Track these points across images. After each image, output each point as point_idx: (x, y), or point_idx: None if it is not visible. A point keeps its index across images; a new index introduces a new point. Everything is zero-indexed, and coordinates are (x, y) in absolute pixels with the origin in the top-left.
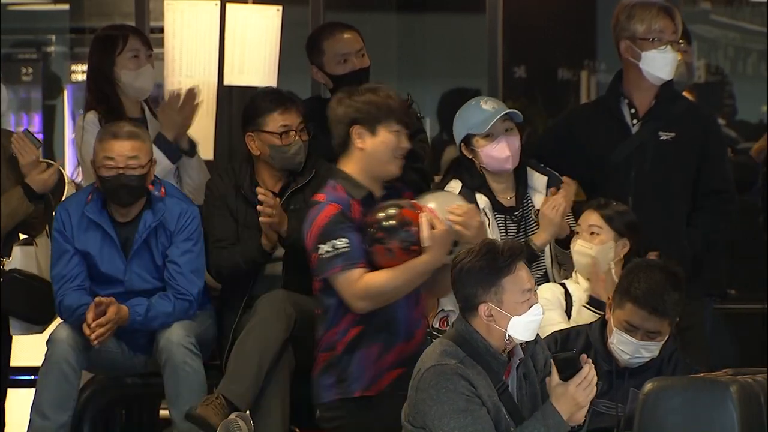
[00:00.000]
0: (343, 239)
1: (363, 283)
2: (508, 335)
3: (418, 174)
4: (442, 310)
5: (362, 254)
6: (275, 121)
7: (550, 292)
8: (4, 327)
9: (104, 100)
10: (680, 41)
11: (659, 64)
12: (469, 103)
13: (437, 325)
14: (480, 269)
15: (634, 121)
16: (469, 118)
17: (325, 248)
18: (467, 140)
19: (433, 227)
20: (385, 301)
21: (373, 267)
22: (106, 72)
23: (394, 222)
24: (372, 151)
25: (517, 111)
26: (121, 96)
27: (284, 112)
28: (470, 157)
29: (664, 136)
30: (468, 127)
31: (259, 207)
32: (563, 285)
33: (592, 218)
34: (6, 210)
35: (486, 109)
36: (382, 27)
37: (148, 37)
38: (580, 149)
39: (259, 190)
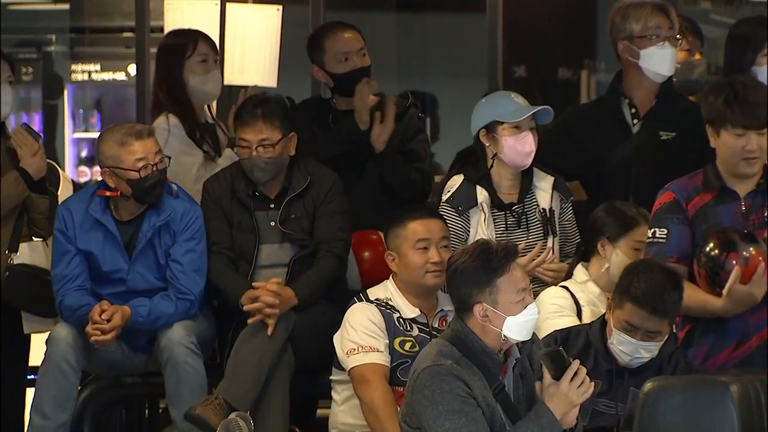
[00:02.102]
0: (663, 229)
1: None
2: (504, 335)
3: (419, 174)
4: (441, 310)
5: (677, 249)
6: (240, 134)
7: (561, 298)
8: (17, 325)
9: (176, 104)
10: (678, 37)
11: (658, 60)
12: (497, 93)
13: (436, 325)
14: (474, 269)
15: (635, 121)
16: (498, 105)
17: (649, 233)
18: (491, 127)
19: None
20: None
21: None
22: (176, 77)
23: (715, 255)
24: (719, 152)
25: (550, 108)
26: (192, 100)
27: (245, 126)
28: (487, 144)
29: (664, 135)
30: (497, 114)
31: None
32: (566, 288)
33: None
34: (3, 193)
35: (518, 101)
36: (382, 27)
37: (215, 42)
38: (580, 149)
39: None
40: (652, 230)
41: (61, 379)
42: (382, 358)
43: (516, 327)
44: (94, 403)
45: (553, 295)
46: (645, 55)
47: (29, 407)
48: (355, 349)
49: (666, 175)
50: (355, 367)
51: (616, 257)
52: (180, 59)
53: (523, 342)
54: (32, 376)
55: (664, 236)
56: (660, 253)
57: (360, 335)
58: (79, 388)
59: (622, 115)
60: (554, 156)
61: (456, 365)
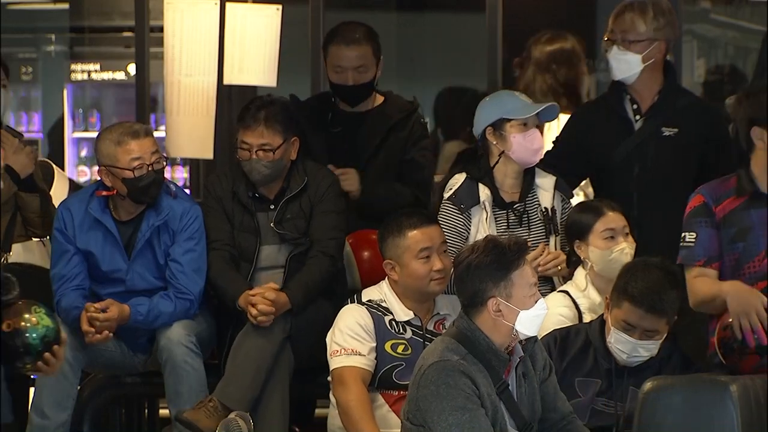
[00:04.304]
0: (693, 234)
1: (690, 284)
2: (515, 330)
3: (408, 188)
4: (438, 313)
5: (705, 252)
6: (241, 136)
7: (563, 308)
8: None
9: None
10: (631, 39)
11: (610, 64)
12: (501, 92)
13: (431, 328)
14: (490, 263)
15: (637, 117)
16: (505, 103)
17: (682, 237)
18: (497, 125)
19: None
20: (696, 306)
21: (725, 268)
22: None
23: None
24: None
25: (556, 105)
26: None
27: (247, 129)
28: (494, 142)
29: (666, 132)
30: (504, 111)
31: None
32: (567, 293)
33: (621, 221)
34: None
35: (523, 99)
36: (381, 26)
37: None
38: (585, 147)
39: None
40: (683, 234)
41: (60, 378)
42: (363, 362)
43: (528, 321)
44: (93, 402)
45: (555, 304)
46: (608, 57)
47: (29, 407)
48: (338, 351)
49: (669, 171)
50: (335, 369)
51: (593, 253)
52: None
53: (526, 341)
54: (31, 376)
55: (693, 240)
56: (688, 257)
57: (345, 337)
58: (79, 387)
59: (625, 112)
60: (560, 159)
61: (463, 361)
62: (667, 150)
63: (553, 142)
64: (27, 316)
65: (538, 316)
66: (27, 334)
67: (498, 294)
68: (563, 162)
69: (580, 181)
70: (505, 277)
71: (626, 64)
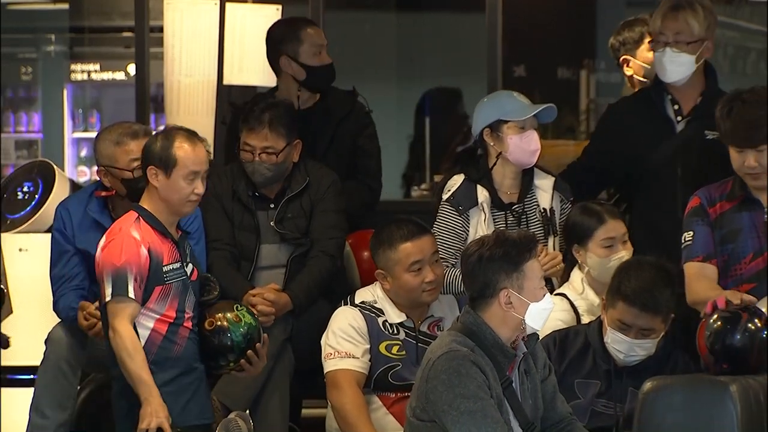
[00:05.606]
0: (690, 232)
1: (689, 281)
2: (524, 323)
3: (367, 177)
4: (432, 316)
5: (704, 249)
6: (245, 138)
7: (562, 312)
8: None
9: None
10: (687, 41)
11: (658, 65)
12: (499, 92)
13: (425, 329)
14: (503, 255)
15: (678, 119)
16: (503, 104)
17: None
18: (495, 126)
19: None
20: (692, 304)
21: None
22: None
23: (719, 326)
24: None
25: (554, 106)
26: None
27: (251, 132)
28: (492, 144)
29: (710, 135)
30: (502, 112)
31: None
32: (564, 296)
33: (621, 228)
34: None
35: (521, 100)
36: (381, 26)
37: None
38: (621, 145)
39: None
40: (683, 236)
41: (60, 378)
42: (357, 365)
43: (537, 314)
44: (93, 402)
45: (555, 309)
46: (655, 57)
47: (29, 407)
48: (331, 354)
49: (713, 174)
50: (329, 372)
51: (591, 260)
52: None
53: (528, 337)
54: (30, 376)
55: (691, 239)
56: (688, 255)
57: (338, 340)
58: (79, 387)
59: (666, 112)
60: (596, 157)
61: (472, 352)
62: (711, 153)
63: (590, 138)
64: (229, 315)
65: (546, 310)
66: (230, 332)
67: (510, 285)
68: (596, 159)
69: (611, 183)
70: (517, 268)
71: (681, 66)
